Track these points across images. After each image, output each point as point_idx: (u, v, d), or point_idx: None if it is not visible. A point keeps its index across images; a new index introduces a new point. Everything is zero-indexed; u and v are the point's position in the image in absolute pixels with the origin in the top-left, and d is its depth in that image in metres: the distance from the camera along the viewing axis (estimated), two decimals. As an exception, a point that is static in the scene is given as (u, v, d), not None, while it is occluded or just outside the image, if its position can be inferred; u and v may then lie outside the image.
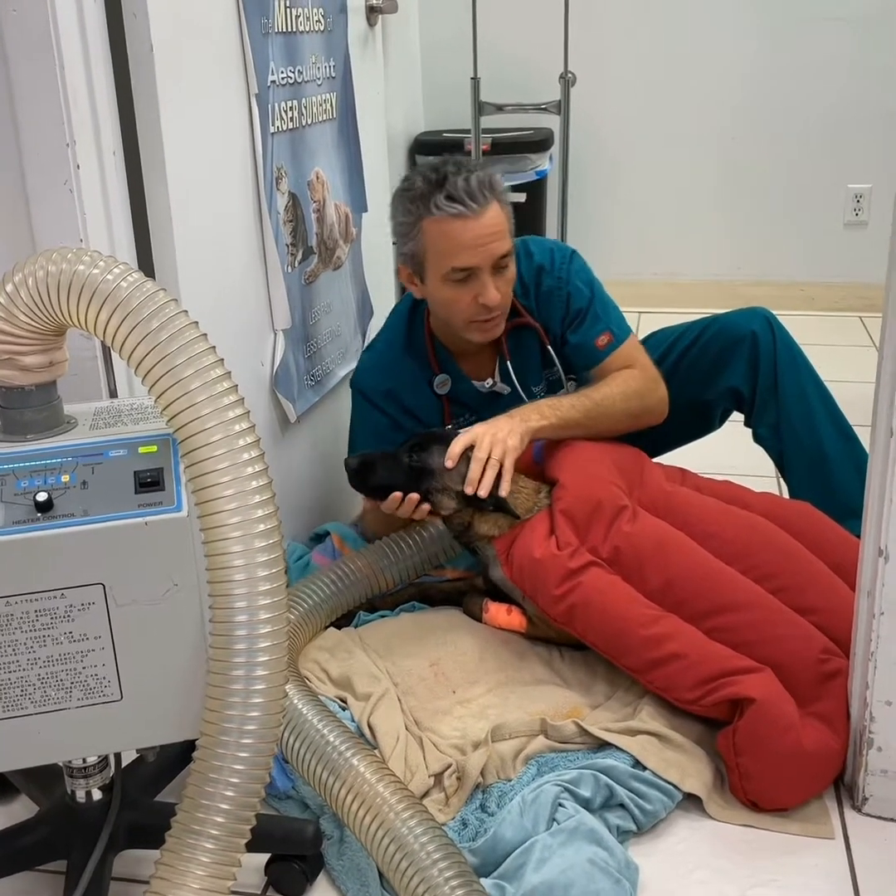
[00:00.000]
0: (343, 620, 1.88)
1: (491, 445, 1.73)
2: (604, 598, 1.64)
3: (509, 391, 2.00)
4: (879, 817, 1.50)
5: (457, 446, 1.75)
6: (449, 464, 1.74)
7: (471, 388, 2.01)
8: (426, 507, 1.78)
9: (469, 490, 1.72)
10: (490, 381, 2.01)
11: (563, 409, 1.85)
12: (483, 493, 1.71)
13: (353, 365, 2.15)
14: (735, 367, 2.03)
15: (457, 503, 1.78)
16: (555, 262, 1.96)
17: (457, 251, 1.79)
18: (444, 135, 3.81)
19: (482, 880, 1.30)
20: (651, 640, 1.59)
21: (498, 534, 1.78)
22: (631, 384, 1.91)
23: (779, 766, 1.49)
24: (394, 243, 1.94)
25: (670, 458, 2.05)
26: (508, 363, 1.98)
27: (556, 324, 1.97)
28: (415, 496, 1.77)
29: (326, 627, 1.84)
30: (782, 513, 1.83)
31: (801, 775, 1.50)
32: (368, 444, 1.95)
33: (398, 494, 1.77)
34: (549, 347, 1.98)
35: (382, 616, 1.90)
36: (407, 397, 1.99)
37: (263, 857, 1.42)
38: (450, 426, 1.99)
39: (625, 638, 1.61)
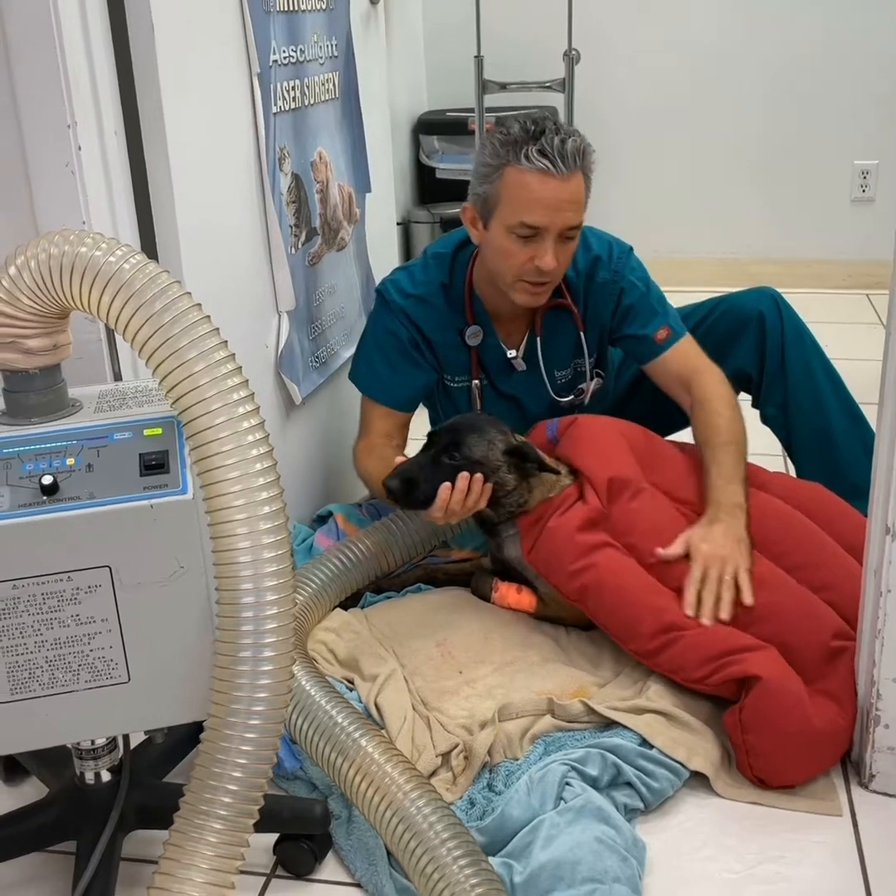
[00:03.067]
0: (349, 602, 1.88)
1: (722, 565, 1.64)
2: (618, 582, 1.65)
3: (525, 369, 1.99)
4: (886, 794, 1.51)
5: (678, 548, 1.69)
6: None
7: (498, 348, 1.98)
8: (488, 486, 1.71)
9: (691, 611, 1.62)
10: (513, 352, 1.98)
11: (741, 473, 1.78)
12: (710, 621, 1.60)
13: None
14: (742, 348, 2.02)
15: (515, 476, 1.75)
16: (612, 255, 1.94)
17: (531, 207, 1.75)
18: (448, 114, 3.79)
19: (490, 859, 1.31)
20: (660, 629, 1.60)
21: (555, 494, 1.77)
22: (730, 397, 1.87)
23: (786, 743, 1.49)
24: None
25: (684, 437, 2.04)
26: (538, 340, 1.96)
27: (606, 316, 1.95)
28: (479, 476, 1.69)
29: (334, 608, 1.85)
30: (796, 493, 1.84)
31: (809, 752, 1.51)
32: (382, 348, 1.95)
33: (448, 484, 1.67)
34: (582, 334, 1.96)
35: (388, 597, 1.90)
36: (433, 334, 1.95)
37: (272, 837, 1.43)
38: (476, 381, 1.99)
39: (635, 625, 1.62)
